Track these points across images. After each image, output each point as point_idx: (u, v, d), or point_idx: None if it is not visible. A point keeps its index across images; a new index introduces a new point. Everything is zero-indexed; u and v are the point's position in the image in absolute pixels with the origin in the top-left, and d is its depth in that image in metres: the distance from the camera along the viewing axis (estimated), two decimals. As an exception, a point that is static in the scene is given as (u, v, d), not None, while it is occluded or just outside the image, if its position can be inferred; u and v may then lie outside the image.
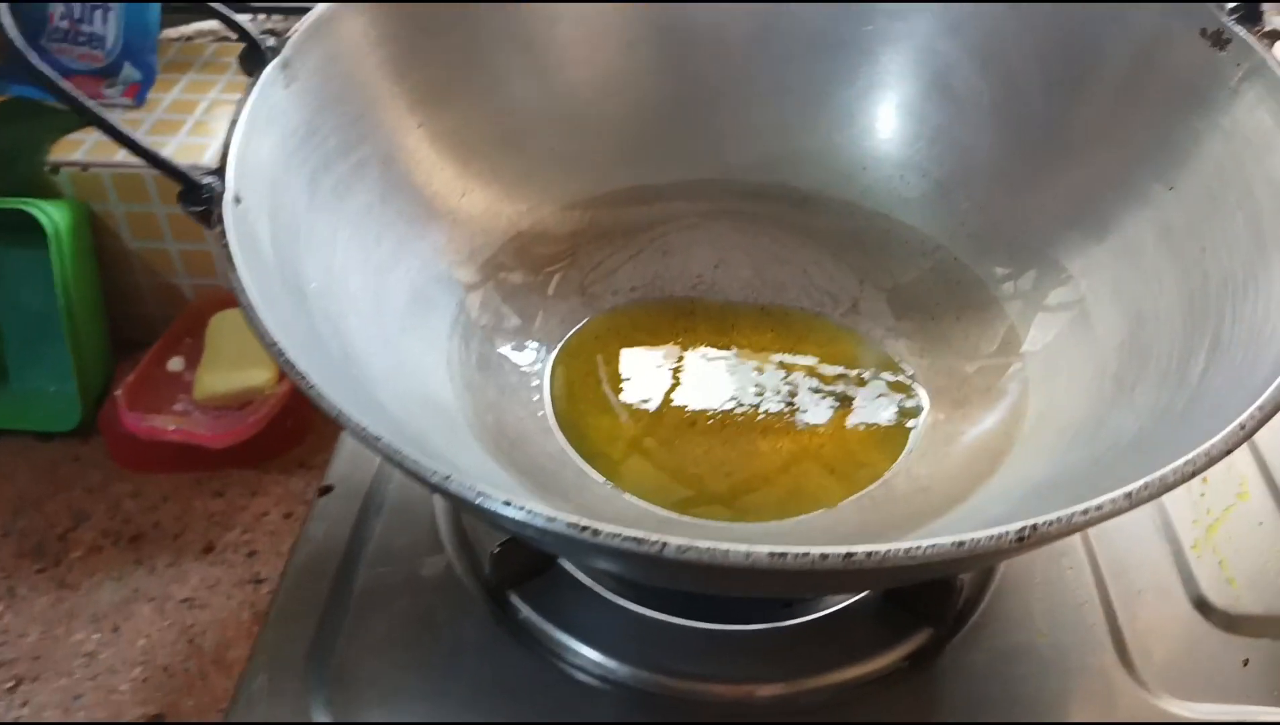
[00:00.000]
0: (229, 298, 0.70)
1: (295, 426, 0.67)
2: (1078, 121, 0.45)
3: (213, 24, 0.79)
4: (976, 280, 0.45)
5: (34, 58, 0.30)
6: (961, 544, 0.24)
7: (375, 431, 0.27)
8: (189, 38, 0.79)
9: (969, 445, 0.39)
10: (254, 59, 0.39)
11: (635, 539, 0.24)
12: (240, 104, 0.38)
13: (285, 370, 0.29)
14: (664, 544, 0.24)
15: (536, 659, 0.38)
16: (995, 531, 0.24)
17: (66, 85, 0.31)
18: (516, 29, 0.48)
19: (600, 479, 0.39)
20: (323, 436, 0.68)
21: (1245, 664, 0.37)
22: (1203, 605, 0.39)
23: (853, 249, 0.48)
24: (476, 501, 0.25)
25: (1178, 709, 0.36)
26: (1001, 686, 0.37)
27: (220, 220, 0.33)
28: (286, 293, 0.34)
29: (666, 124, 0.51)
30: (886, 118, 0.50)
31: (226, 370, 0.66)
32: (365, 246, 0.41)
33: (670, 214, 0.50)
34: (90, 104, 0.32)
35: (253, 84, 0.38)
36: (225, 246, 0.32)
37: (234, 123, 0.37)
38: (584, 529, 0.24)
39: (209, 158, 0.65)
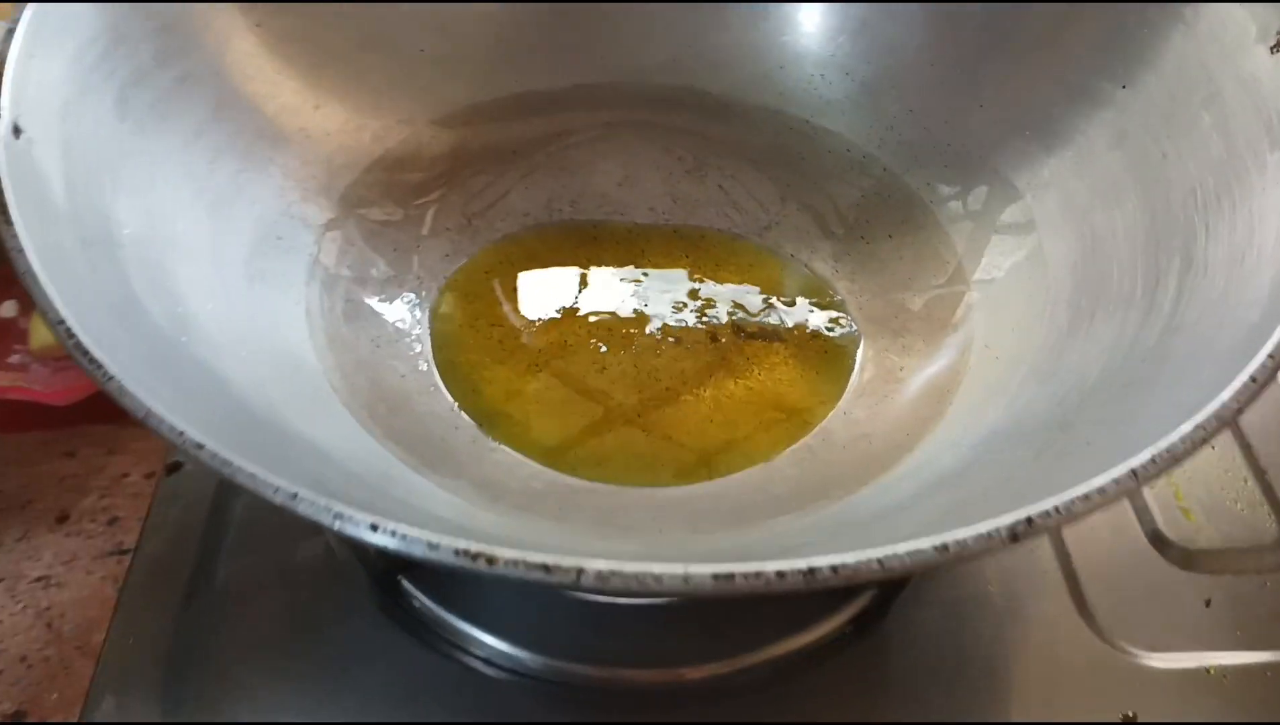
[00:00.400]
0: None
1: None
2: (1018, 12, 0.40)
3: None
4: (910, 193, 0.41)
5: None
6: (945, 548, 0.20)
7: (195, 437, 0.21)
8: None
9: (911, 383, 0.35)
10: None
11: (543, 567, 0.19)
12: (17, 8, 0.30)
13: (75, 357, 0.22)
14: (580, 571, 0.19)
15: (435, 653, 0.33)
16: (984, 528, 0.20)
17: None
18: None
19: (497, 444, 0.34)
20: (184, 384, 0.60)
21: (1208, 604, 0.35)
22: (1160, 541, 0.37)
23: (773, 161, 0.43)
24: (335, 526, 0.20)
25: (1142, 658, 0.33)
26: (953, 644, 0.34)
27: (-10, 158, 0.26)
28: (86, 247, 0.27)
29: (556, 18, 0.44)
30: (803, 10, 0.44)
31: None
32: (196, 177, 0.34)
33: (566, 125, 0.43)
34: None
35: (32, -20, 0.30)
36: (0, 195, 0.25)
37: (9, 33, 0.29)
38: (476, 557, 0.19)
39: None
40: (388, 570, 0.33)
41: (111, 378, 0.21)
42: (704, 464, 0.34)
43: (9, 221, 0.25)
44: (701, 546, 0.29)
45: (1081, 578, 0.35)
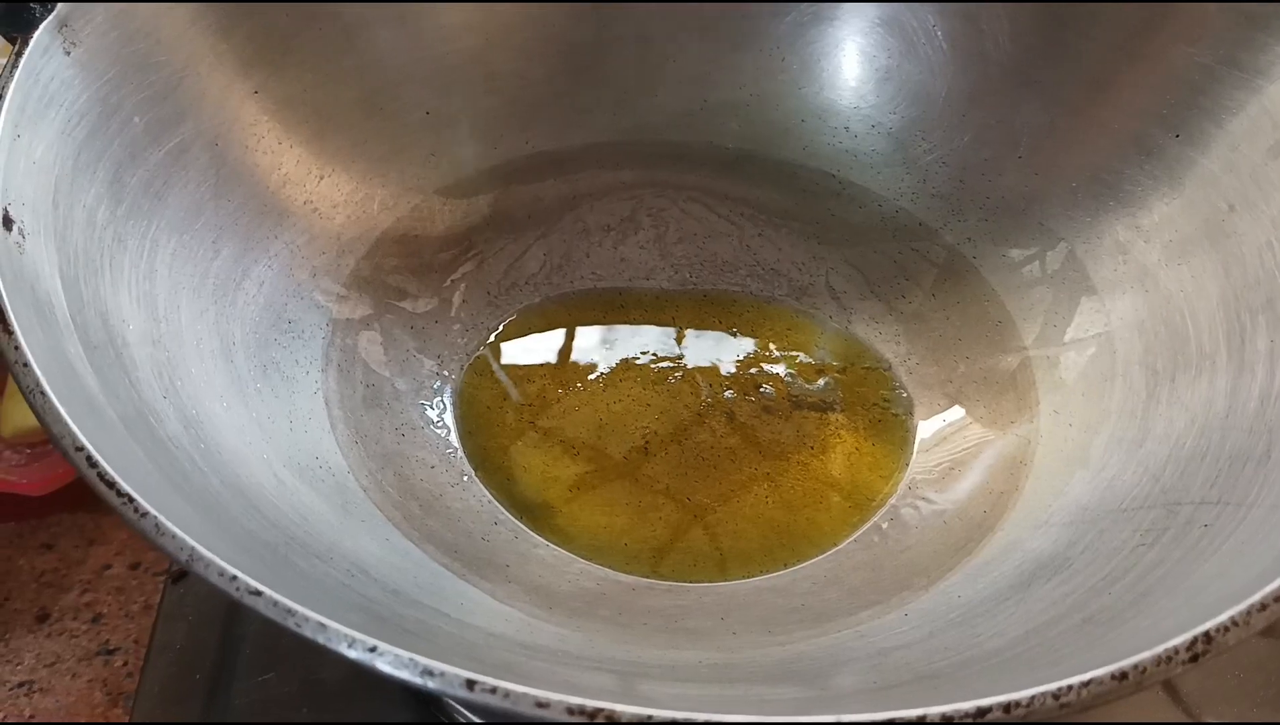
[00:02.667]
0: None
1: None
2: (1052, 58, 0.38)
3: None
4: (950, 249, 0.39)
5: None
6: (1124, 675, 0.17)
7: (250, 583, 0.18)
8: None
9: (978, 453, 0.33)
10: (15, 20, 0.28)
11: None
12: (1, 82, 0.27)
13: (98, 488, 0.19)
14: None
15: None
16: (1160, 650, 0.17)
17: None
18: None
19: (542, 540, 0.31)
20: (168, 468, 0.57)
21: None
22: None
23: (801, 218, 0.41)
24: (427, 684, 0.17)
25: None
26: None
27: (-19, 258, 0.23)
28: (90, 352, 0.24)
29: (565, 75, 0.42)
30: (824, 58, 0.42)
31: (37, 398, 0.54)
32: (199, 261, 0.31)
33: (582, 186, 0.41)
34: None
35: (16, 54, 0.28)
36: (-9, 299, 0.22)
37: (-8, 110, 0.26)
38: (594, 714, 0.16)
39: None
40: (427, 685, 0.30)
41: (146, 513, 0.18)
42: (767, 553, 0.31)
43: (9, 331, 0.22)
44: (783, 652, 0.26)
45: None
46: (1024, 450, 0.32)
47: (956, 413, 0.35)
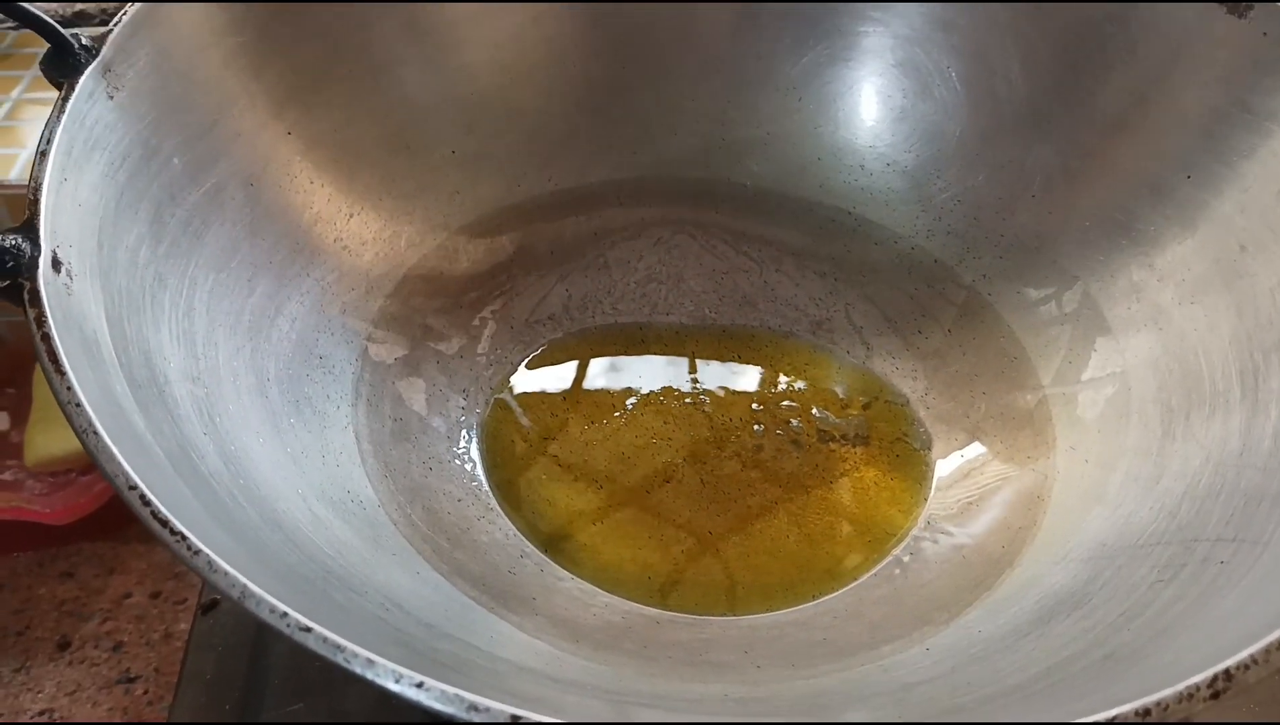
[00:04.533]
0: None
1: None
2: (1063, 101, 0.39)
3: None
4: (965, 286, 0.39)
5: None
6: (1147, 712, 0.18)
7: (301, 619, 0.18)
8: (-24, 24, 0.66)
9: (996, 488, 0.33)
10: (63, 64, 0.29)
11: None
12: (48, 127, 0.28)
13: (151, 527, 0.20)
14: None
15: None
16: (1181, 687, 0.18)
17: None
18: (394, 4, 0.39)
19: (567, 574, 0.31)
20: (189, 497, 0.57)
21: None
22: None
23: (817, 255, 0.42)
24: (471, 719, 0.17)
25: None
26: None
27: (35, 299, 0.24)
28: (135, 389, 0.25)
29: (584, 114, 0.43)
30: (840, 98, 0.43)
31: (63, 426, 0.54)
32: (235, 298, 0.32)
33: (603, 224, 0.42)
34: None
35: (64, 98, 0.28)
36: (45, 339, 0.23)
37: (40, 154, 0.27)
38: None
39: (16, 174, 0.54)
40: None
41: (199, 551, 0.19)
42: (787, 587, 0.32)
43: (61, 372, 0.22)
44: (808, 687, 0.27)
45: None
46: (1042, 486, 0.32)
47: (975, 449, 0.35)
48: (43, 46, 0.61)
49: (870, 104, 0.43)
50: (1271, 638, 0.19)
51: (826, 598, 0.31)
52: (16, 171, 0.55)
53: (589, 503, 0.34)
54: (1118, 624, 0.25)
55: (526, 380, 0.38)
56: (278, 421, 0.30)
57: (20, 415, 0.56)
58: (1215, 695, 0.18)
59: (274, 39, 0.36)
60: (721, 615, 0.31)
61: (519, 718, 0.17)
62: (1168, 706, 0.18)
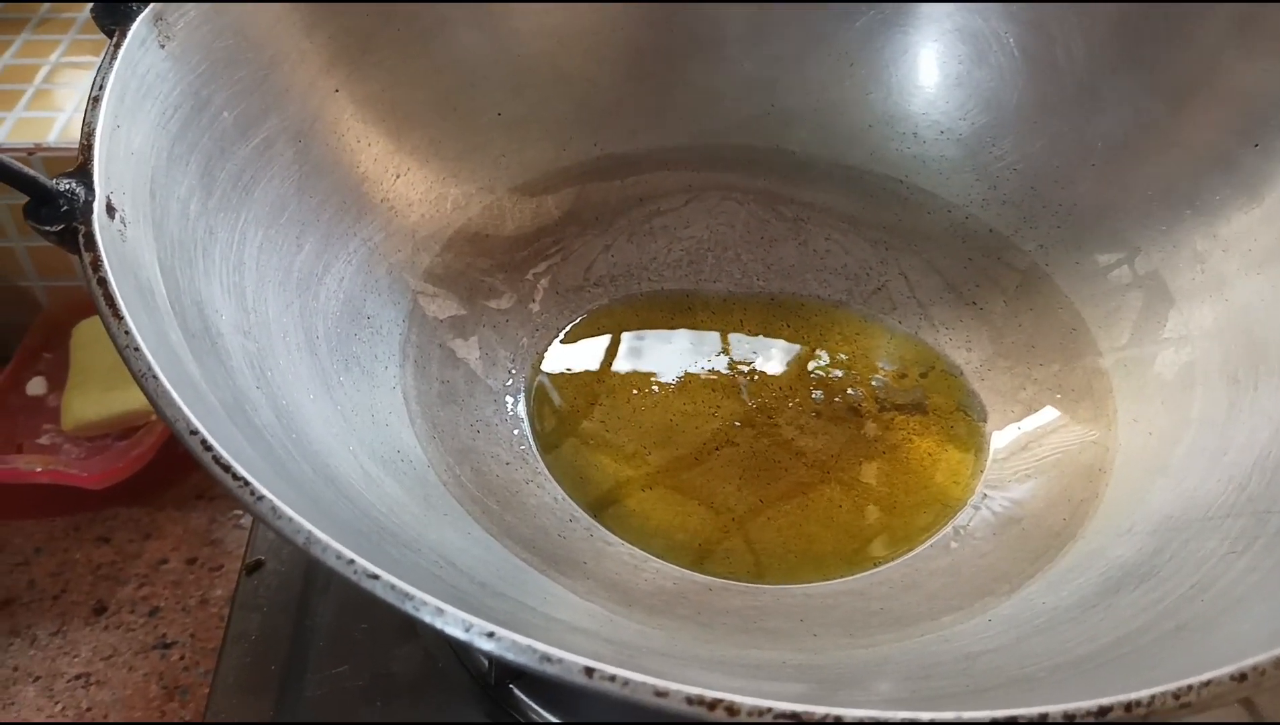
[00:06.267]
0: (92, 303, 0.58)
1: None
2: (1124, 71, 0.38)
3: (44, -30, 0.66)
4: (1022, 256, 0.39)
5: None
6: (1243, 676, 0.17)
7: (368, 566, 0.18)
8: (15, -11, 0.66)
9: (1055, 461, 0.33)
10: (114, 13, 0.29)
11: (793, 715, 0.16)
12: (101, 73, 0.27)
13: (213, 472, 0.20)
14: (838, 720, 0.16)
15: (551, 769, 0.30)
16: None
17: None
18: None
19: (617, 539, 0.31)
20: (225, 463, 0.57)
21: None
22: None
23: (869, 223, 0.41)
24: (544, 669, 0.17)
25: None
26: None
27: (90, 245, 0.23)
28: (190, 339, 0.24)
29: (633, 80, 0.42)
30: (892, 65, 0.42)
31: (100, 391, 0.55)
32: (284, 254, 0.32)
33: (649, 189, 0.41)
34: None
35: (115, 46, 0.28)
36: (102, 284, 0.23)
37: (94, 100, 0.27)
38: (714, 705, 0.16)
39: (55, 137, 0.53)
40: (500, 678, 0.30)
41: (262, 497, 0.19)
42: (842, 557, 0.31)
43: (118, 316, 0.22)
44: (868, 655, 0.26)
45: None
46: (1103, 458, 0.32)
47: (1032, 420, 0.35)
48: (77, 13, 0.61)
49: (925, 71, 0.42)
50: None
51: (882, 568, 0.30)
52: (55, 134, 0.55)
53: (637, 469, 0.34)
54: (1189, 595, 0.24)
55: (572, 345, 0.37)
56: (327, 379, 0.30)
57: (57, 380, 0.56)
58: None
59: (325, -4, 0.35)
60: (775, 583, 0.30)
61: (593, 669, 0.17)
62: (1265, 671, 0.17)
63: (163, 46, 0.29)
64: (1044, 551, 0.29)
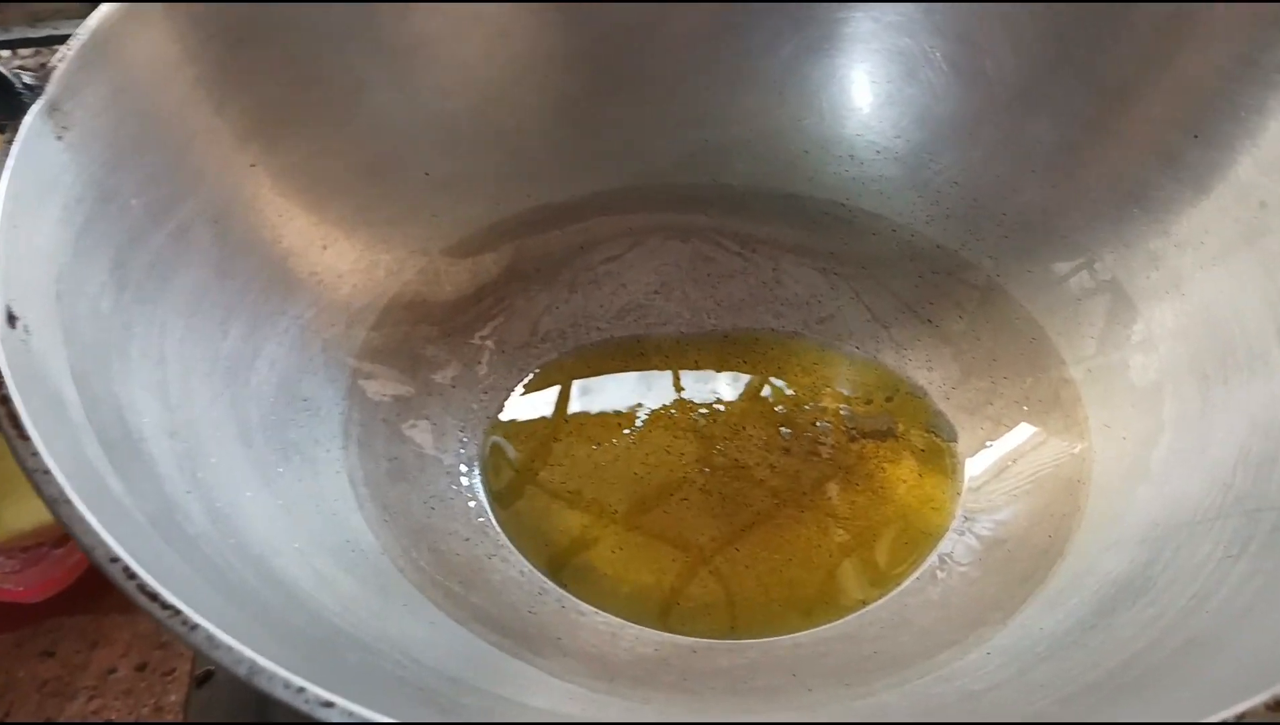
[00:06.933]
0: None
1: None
2: (1053, 71, 0.38)
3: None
4: (973, 269, 0.38)
5: None
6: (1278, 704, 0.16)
7: (321, 694, 0.16)
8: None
9: (1032, 476, 0.32)
10: (6, 105, 0.27)
11: None
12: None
13: (139, 601, 0.18)
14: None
15: None
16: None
17: None
18: (359, 26, 0.37)
19: (589, 608, 0.29)
20: (172, 561, 0.55)
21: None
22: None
23: (813, 250, 0.40)
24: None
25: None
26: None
27: (-13, 360, 0.21)
28: (109, 450, 0.23)
29: (562, 127, 0.41)
30: (823, 89, 0.42)
31: (30, 497, 0.51)
32: (209, 342, 0.30)
33: (590, 236, 0.40)
34: None
35: (9, 141, 0.26)
36: (4, 401, 0.21)
37: (-13, 203, 0.25)
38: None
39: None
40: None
41: (196, 626, 0.17)
42: (826, 600, 0.30)
43: (24, 437, 0.20)
44: (867, 706, 0.25)
45: None
46: (1080, 469, 0.31)
47: (1003, 437, 0.34)
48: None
49: (855, 92, 0.41)
50: None
51: (869, 607, 0.29)
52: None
53: (604, 529, 0.32)
54: (1190, 607, 0.23)
55: (524, 405, 0.36)
56: (265, 471, 0.28)
57: (-13, 489, 0.53)
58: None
59: (234, 70, 0.34)
60: (760, 637, 0.29)
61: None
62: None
63: (60, 138, 0.28)
64: (1033, 572, 0.28)
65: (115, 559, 0.18)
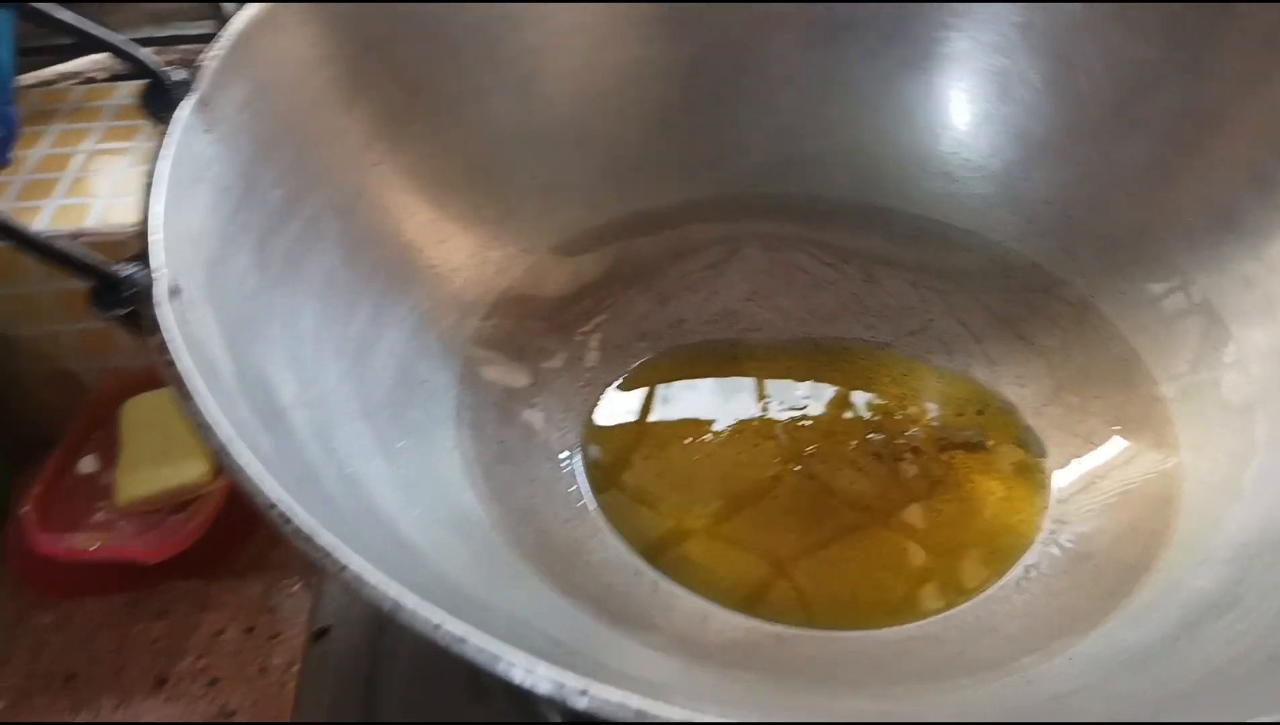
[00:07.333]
0: (139, 380, 0.59)
1: (243, 521, 0.56)
2: (1147, 93, 0.38)
3: (76, 64, 0.68)
4: (1065, 287, 0.38)
5: None
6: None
7: (455, 630, 0.18)
8: (49, 82, 0.67)
9: (1120, 493, 0.32)
10: (159, 100, 0.30)
11: None
12: (155, 159, 0.28)
13: (296, 542, 0.20)
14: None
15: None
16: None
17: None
18: (475, 36, 0.39)
19: (681, 590, 0.31)
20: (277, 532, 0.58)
21: None
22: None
23: (904, 263, 0.41)
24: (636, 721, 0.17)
25: None
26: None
27: (156, 326, 0.24)
28: (258, 413, 0.25)
29: (660, 135, 0.43)
30: (919, 105, 0.43)
31: (151, 467, 0.55)
32: (336, 325, 0.32)
33: (685, 243, 0.42)
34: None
35: (167, 132, 0.29)
36: (171, 364, 0.23)
37: (149, 186, 0.27)
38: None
39: (95, 222, 0.55)
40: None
41: (345, 567, 0.19)
42: (911, 601, 0.31)
43: (187, 395, 0.22)
44: (947, 701, 0.26)
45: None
46: (1169, 488, 0.31)
47: (1092, 453, 0.34)
48: (108, 101, 0.63)
49: (950, 110, 0.42)
50: None
51: (954, 610, 0.30)
52: (94, 220, 0.56)
53: (696, 520, 0.33)
54: (1275, 624, 0.24)
55: (622, 401, 0.37)
56: (388, 446, 0.30)
57: (109, 458, 0.56)
58: None
59: (363, 74, 0.36)
60: (846, 630, 0.30)
61: (692, 721, 0.16)
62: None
63: (209, 131, 0.30)
64: (1119, 586, 0.29)
65: (273, 505, 0.20)
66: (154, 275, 0.25)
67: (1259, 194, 0.35)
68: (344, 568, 0.19)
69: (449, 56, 0.39)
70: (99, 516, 0.54)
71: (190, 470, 0.54)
